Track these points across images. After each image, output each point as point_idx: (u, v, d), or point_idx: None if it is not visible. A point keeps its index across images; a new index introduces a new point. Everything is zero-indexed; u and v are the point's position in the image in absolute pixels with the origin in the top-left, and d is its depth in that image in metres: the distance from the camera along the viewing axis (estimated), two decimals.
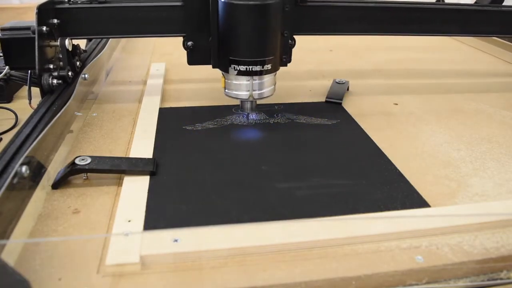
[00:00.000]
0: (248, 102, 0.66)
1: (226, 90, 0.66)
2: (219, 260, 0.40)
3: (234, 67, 0.61)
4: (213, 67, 0.66)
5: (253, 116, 0.69)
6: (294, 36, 0.68)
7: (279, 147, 0.61)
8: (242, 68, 0.61)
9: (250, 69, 0.61)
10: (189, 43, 0.67)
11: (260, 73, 0.62)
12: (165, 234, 0.42)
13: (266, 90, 0.65)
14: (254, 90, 0.64)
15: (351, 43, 1.14)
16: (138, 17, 0.68)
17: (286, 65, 0.68)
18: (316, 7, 0.71)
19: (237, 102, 0.71)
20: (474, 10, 0.79)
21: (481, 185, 0.53)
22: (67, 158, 0.56)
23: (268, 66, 0.62)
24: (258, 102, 0.69)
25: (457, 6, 0.78)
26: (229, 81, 0.65)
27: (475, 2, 0.85)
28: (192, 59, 0.68)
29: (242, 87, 0.64)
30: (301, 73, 0.91)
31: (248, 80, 0.63)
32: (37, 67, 0.61)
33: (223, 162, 0.56)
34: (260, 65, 0.61)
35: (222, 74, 0.65)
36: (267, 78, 0.64)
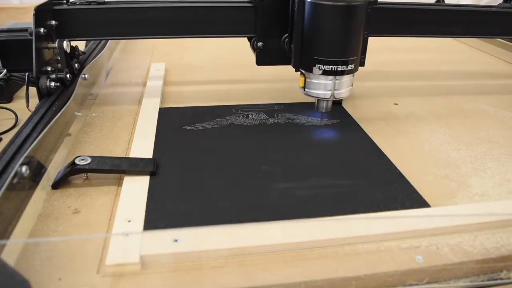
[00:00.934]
0: (325, 101, 0.67)
1: (306, 89, 0.66)
2: (219, 260, 0.40)
3: (319, 66, 0.62)
4: (294, 67, 0.66)
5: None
6: None
7: (279, 147, 0.61)
8: (328, 67, 0.62)
9: (335, 69, 0.62)
10: (259, 43, 0.68)
11: (343, 73, 0.63)
12: (165, 234, 0.42)
13: (345, 90, 0.65)
14: (335, 90, 0.64)
15: None
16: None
17: (363, 65, 0.68)
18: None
19: (236, 103, 0.71)
20: (476, 11, 0.78)
21: (481, 185, 0.53)
22: (67, 158, 0.56)
23: (351, 66, 0.63)
24: (261, 102, 0.70)
25: (458, 7, 0.78)
26: (309, 80, 0.65)
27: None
28: (261, 60, 0.69)
29: (323, 87, 0.64)
30: None
31: (331, 80, 0.63)
32: (34, 69, 0.61)
33: (223, 162, 0.56)
34: (344, 65, 0.62)
35: (302, 73, 0.65)
36: (347, 78, 0.64)
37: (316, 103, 0.68)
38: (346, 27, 0.61)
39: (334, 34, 0.61)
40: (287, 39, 0.67)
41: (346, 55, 0.62)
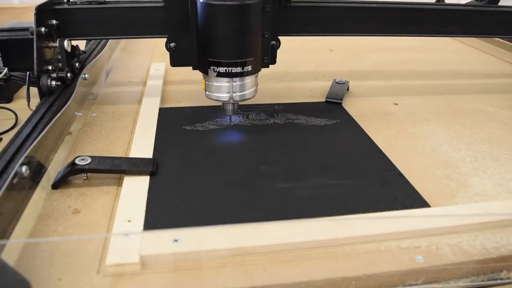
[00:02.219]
0: (230, 104, 0.65)
1: (206, 92, 0.64)
2: (219, 260, 0.40)
3: (214, 68, 0.60)
4: (193, 68, 0.65)
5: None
6: (280, 37, 0.67)
7: (279, 147, 0.61)
8: (222, 69, 0.60)
9: (230, 71, 0.60)
10: (172, 44, 0.66)
11: (241, 75, 0.61)
12: (165, 234, 0.42)
13: (247, 92, 0.64)
14: (234, 92, 0.62)
15: (351, 43, 1.14)
16: (132, 18, 0.67)
17: (267, 66, 0.66)
18: (301, 8, 0.70)
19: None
20: (475, 11, 0.78)
21: (481, 185, 0.53)
22: (67, 158, 0.56)
23: (248, 68, 0.61)
24: (261, 102, 0.68)
25: (457, 6, 0.78)
26: (209, 83, 0.63)
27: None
28: (175, 61, 0.67)
29: (223, 89, 0.62)
30: (301, 73, 0.91)
31: (228, 82, 0.62)
32: (35, 68, 0.61)
33: (223, 162, 0.56)
34: (240, 66, 0.60)
35: (203, 75, 0.64)
36: (248, 80, 0.63)
37: (222, 105, 0.66)
38: (237, 27, 0.58)
39: (225, 35, 0.59)
40: None
41: (240, 56, 0.60)
